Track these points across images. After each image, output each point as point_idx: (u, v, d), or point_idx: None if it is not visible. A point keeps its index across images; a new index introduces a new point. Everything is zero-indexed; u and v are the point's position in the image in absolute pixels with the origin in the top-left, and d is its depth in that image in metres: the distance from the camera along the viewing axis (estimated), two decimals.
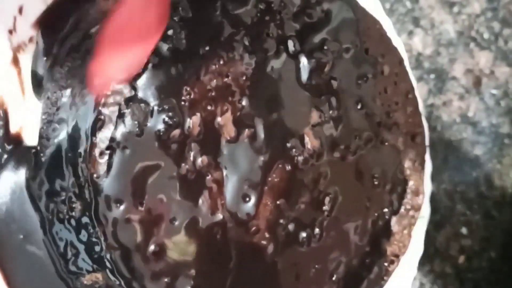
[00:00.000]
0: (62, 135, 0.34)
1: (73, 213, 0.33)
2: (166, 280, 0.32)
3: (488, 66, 0.63)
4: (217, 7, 0.35)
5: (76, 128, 0.32)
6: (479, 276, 0.58)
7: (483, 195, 0.60)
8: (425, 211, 0.47)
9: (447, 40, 0.62)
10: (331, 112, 0.38)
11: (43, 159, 0.34)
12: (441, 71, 0.62)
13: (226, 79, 0.35)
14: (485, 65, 0.63)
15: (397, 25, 0.60)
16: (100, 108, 0.31)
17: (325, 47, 0.38)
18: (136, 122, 0.31)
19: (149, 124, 0.32)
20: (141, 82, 0.32)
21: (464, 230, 0.59)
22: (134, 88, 0.32)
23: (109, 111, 0.31)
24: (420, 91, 0.58)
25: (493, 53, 0.63)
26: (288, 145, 0.36)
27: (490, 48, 0.63)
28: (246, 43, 0.36)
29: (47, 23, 0.38)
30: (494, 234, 0.59)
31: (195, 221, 0.33)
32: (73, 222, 0.33)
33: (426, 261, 0.56)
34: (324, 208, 0.38)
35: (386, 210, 0.41)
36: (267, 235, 0.36)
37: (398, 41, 0.45)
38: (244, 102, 0.35)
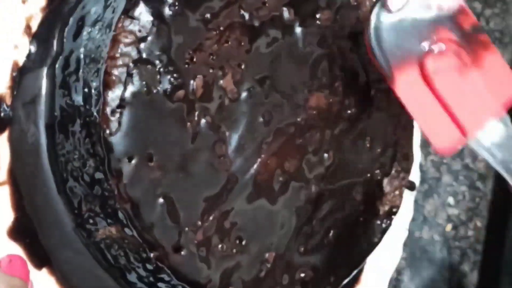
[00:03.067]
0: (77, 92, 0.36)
1: (86, 169, 0.34)
2: (177, 230, 0.34)
3: None
4: None
5: (88, 86, 0.34)
6: (465, 244, 0.60)
7: (468, 167, 0.62)
8: (415, 178, 0.49)
9: None
10: (326, 78, 0.40)
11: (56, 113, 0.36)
12: None
13: (226, 45, 0.37)
14: None
15: None
16: (109, 69, 0.32)
17: (318, 15, 0.40)
18: (144, 82, 0.33)
19: (156, 85, 0.34)
20: (145, 45, 0.34)
21: (451, 200, 0.61)
22: (139, 50, 0.33)
23: (119, 72, 0.33)
24: None
25: None
26: (287, 107, 0.38)
27: None
28: (243, 11, 0.37)
29: None
30: (480, 204, 0.61)
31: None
32: (86, 177, 0.35)
33: (415, 228, 0.58)
34: (321, 167, 0.40)
35: (378, 171, 0.43)
36: (270, 192, 0.38)
37: None
38: (243, 66, 0.37)
